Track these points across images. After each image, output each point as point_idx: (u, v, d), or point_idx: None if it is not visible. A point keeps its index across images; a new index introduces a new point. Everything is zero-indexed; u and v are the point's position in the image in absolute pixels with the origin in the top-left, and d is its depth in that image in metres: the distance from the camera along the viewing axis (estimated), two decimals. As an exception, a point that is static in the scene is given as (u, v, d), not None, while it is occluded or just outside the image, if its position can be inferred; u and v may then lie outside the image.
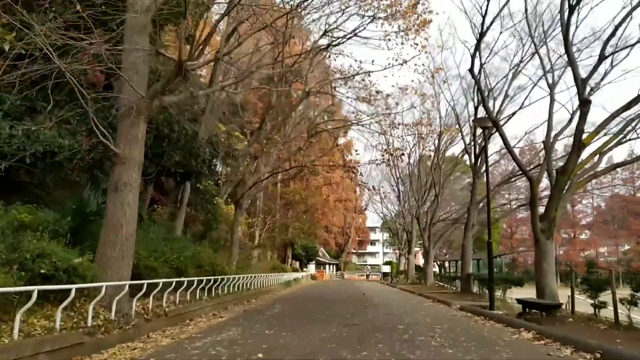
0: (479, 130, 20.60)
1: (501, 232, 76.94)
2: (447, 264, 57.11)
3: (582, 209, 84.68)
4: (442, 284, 33.72)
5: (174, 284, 10.65)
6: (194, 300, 12.82)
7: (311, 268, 64.23)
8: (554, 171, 12.62)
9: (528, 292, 19.17)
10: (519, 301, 12.00)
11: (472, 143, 21.21)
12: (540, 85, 21.90)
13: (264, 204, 47.27)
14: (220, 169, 34.03)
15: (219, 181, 33.84)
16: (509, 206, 32.81)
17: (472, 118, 22.52)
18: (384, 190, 53.97)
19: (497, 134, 16.71)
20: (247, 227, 36.27)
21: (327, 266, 71.05)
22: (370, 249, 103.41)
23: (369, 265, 69.27)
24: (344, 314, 12.82)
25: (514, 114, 20.55)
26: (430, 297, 19.96)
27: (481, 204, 22.19)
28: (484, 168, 21.31)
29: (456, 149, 30.22)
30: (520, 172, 18.06)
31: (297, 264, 52.03)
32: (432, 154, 28.77)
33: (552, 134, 14.09)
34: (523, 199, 32.73)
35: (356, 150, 60.27)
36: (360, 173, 20.94)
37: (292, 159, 26.26)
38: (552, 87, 14.85)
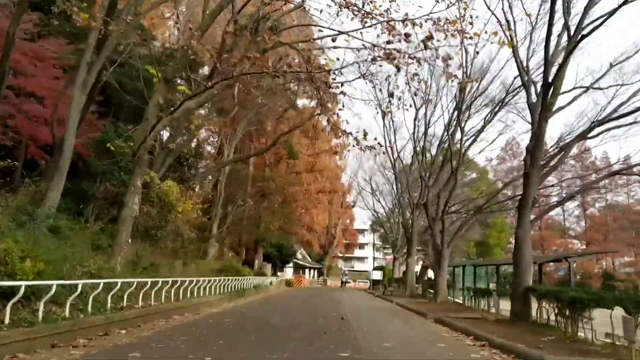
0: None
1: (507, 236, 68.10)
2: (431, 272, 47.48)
3: (593, 212, 75.99)
4: (452, 298, 24.61)
5: None
6: None
7: (289, 272, 54.68)
8: None
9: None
10: None
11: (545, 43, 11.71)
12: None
13: (226, 189, 38.00)
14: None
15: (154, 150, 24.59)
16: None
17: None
18: (377, 182, 45.11)
19: None
20: (197, 214, 26.65)
21: (307, 270, 61.55)
22: (358, 253, 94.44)
23: (349, 270, 59.33)
24: None
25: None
26: (465, 330, 10.69)
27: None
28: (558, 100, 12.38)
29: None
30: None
31: (268, 267, 42.52)
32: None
33: None
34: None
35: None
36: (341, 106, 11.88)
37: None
38: None
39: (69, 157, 15.18)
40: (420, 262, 54.93)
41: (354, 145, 14.47)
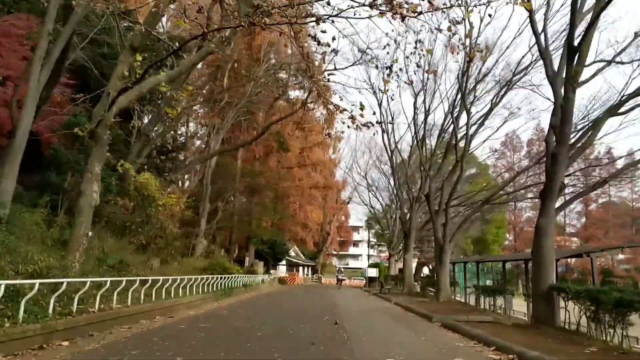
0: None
1: (505, 233, 66.45)
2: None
3: (593, 209, 74.55)
4: (453, 296, 22.92)
5: None
6: None
7: (282, 270, 52.87)
8: None
9: None
10: None
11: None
12: None
13: (214, 184, 36.26)
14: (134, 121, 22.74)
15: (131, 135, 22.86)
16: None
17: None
18: (373, 178, 43.48)
19: None
20: (180, 208, 24.74)
21: (301, 268, 59.77)
22: (352, 250, 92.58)
23: (343, 267, 57.01)
24: None
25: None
26: (484, 340, 8.94)
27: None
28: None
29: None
30: None
31: (260, 265, 40.66)
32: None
33: None
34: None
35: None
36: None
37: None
38: None
39: (24, 140, 13.37)
40: (416, 260, 53.24)
41: (349, 127, 12.77)
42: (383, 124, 30.35)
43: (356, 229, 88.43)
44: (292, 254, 56.23)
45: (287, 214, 48.78)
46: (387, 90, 13.11)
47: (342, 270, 38.14)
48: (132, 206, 20.42)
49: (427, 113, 25.05)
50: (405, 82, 14.74)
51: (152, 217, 21.50)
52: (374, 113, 10.90)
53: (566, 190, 24.97)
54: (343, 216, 73.86)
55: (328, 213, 61.32)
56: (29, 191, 16.32)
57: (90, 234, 10.93)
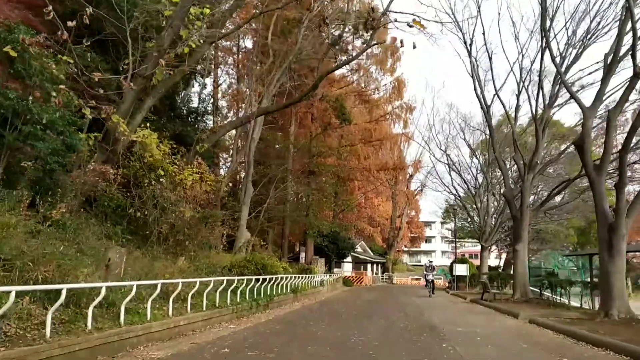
0: None
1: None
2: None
3: None
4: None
5: None
6: None
7: (347, 267, 45.51)
8: None
9: None
10: None
11: None
12: None
13: (261, 165, 29.80)
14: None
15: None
16: None
17: None
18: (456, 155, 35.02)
19: None
20: (200, 186, 17.81)
21: (369, 265, 52.05)
22: (425, 247, 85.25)
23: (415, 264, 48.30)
24: None
25: None
26: None
27: None
28: None
29: None
30: None
31: (320, 262, 33.44)
32: None
33: None
34: None
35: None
36: None
37: None
38: None
39: None
40: (504, 255, 44.01)
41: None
42: (474, 73, 22.35)
43: (428, 224, 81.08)
44: (359, 249, 48.76)
45: (351, 203, 41.51)
46: None
47: (434, 266, 27.04)
48: (116, 177, 13.77)
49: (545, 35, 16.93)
50: None
51: (157, 196, 14.81)
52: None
53: None
54: (413, 211, 65.88)
55: (398, 205, 53.46)
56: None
57: None
